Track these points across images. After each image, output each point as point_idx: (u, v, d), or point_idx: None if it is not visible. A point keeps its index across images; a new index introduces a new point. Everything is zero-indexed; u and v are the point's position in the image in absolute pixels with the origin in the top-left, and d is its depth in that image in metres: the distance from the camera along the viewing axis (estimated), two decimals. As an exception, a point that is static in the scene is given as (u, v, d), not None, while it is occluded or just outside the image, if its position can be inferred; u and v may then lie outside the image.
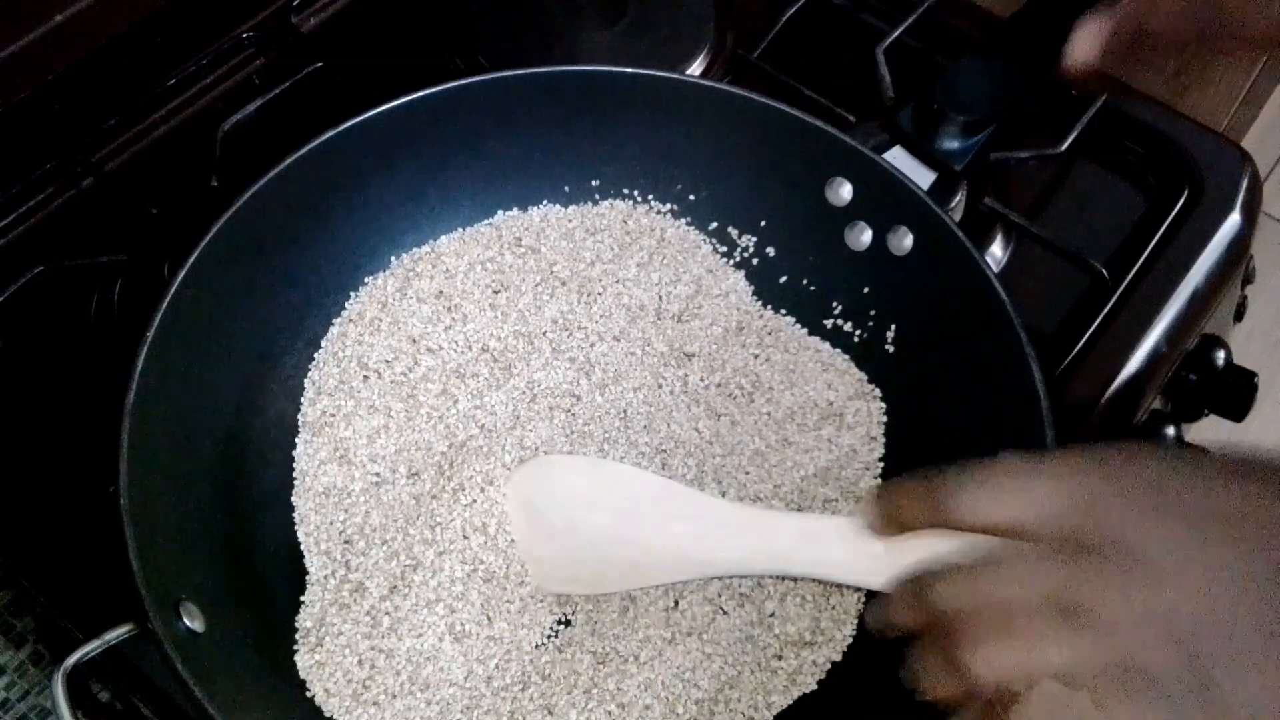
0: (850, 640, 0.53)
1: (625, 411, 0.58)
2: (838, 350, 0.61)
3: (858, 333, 0.61)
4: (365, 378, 0.58)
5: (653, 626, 0.52)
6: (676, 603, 0.53)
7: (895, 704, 0.49)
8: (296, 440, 0.57)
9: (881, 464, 0.57)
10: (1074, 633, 0.37)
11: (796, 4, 0.75)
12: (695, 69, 0.71)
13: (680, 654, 0.52)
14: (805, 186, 0.61)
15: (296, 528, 0.55)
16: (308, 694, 0.50)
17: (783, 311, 0.62)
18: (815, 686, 0.52)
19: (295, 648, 0.51)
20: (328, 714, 0.50)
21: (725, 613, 0.53)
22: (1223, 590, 0.36)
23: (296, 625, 0.52)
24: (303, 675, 0.51)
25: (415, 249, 0.62)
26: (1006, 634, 0.38)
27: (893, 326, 0.60)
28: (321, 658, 0.51)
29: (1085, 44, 0.58)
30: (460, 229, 0.63)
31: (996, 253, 0.67)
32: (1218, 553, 0.36)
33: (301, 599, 0.53)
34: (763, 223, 0.63)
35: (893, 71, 0.68)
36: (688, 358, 0.60)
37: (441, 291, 0.61)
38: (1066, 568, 0.38)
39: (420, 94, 0.58)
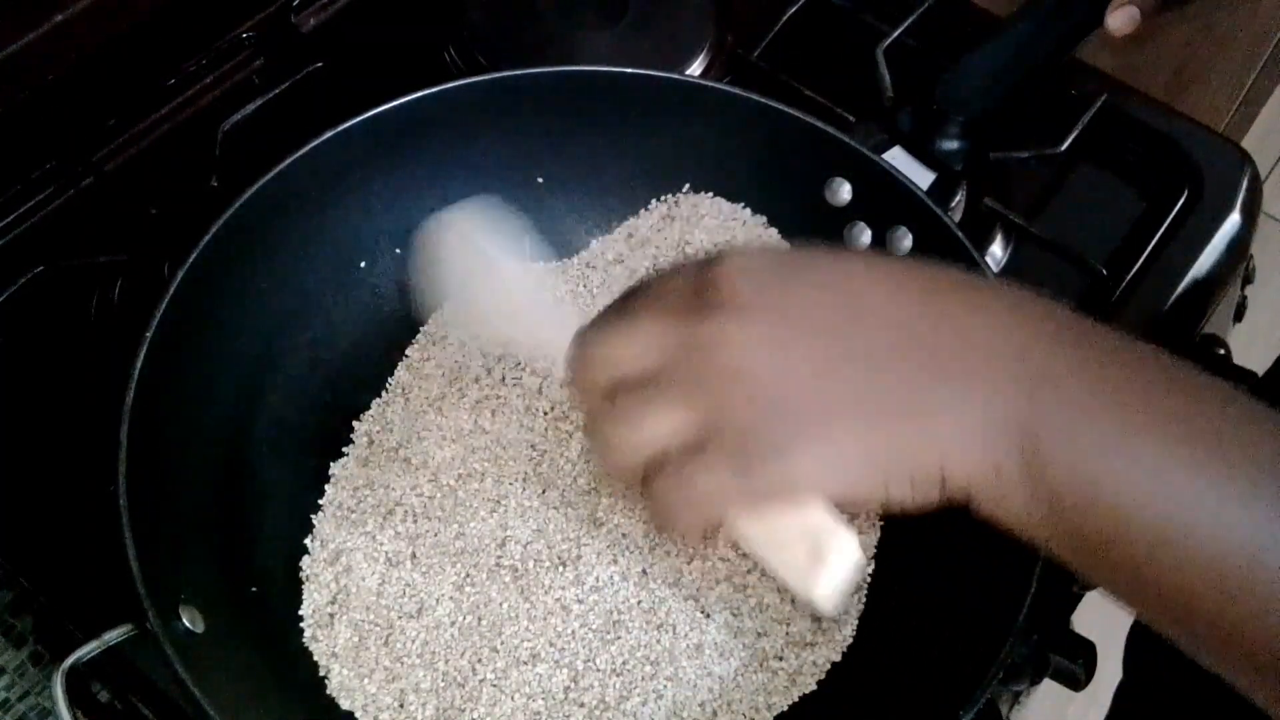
0: (850, 640, 0.53)
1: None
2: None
3: (857, 333, 0.60)
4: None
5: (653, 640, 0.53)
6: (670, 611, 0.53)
7: (895, 704, 0.50)
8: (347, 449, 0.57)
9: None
10: (671, 405, 0.39)
11: (796, 4, 0.75)
12: (695, 69, 0.71)
13: (682, 659, 0.52)
14: (805, 186, 0.61)
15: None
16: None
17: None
18: (815, 687, 0.52)
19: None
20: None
21: (716, 616, 0.53)
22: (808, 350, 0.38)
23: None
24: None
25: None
26: (623, 417, 0.40)
27: (893, 327, 0.60)
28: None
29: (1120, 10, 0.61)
30: (460, 229, 0.63)
31: (996, 253, 0.67)
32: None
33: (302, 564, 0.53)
34: (763, 222, 0.63)
35: (893, 72, 0.68)
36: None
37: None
38: (682, 329, 0.39)
39: (420, 94, 0.58)
